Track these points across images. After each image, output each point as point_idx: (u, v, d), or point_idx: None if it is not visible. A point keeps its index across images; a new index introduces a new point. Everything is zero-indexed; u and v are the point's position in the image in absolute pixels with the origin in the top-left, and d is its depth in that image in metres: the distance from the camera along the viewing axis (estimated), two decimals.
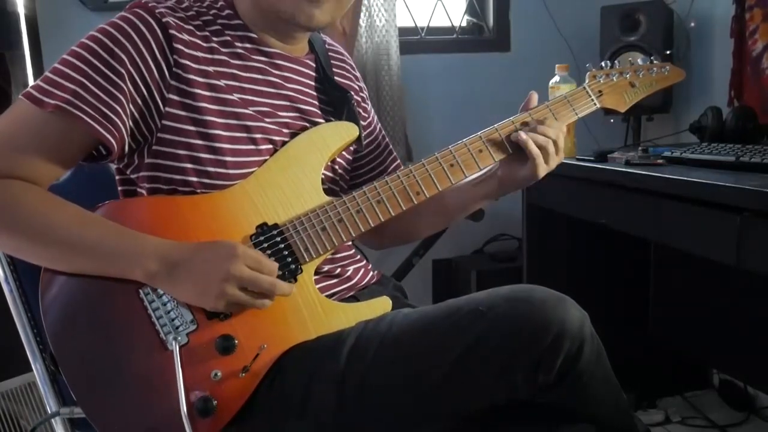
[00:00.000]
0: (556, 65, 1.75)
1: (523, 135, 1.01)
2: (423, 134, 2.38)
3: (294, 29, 1.01)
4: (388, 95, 2.29)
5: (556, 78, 1.73)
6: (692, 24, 2.29)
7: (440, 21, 2.52)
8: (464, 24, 2.56)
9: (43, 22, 2.07)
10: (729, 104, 2.07)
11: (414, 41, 2.45)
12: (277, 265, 0.90)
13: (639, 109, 2.19)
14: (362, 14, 2.25)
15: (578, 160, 1.73)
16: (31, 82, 1.96)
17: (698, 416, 2.13)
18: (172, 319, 0.88)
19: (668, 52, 2.09)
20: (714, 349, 2.11)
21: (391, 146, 1.23)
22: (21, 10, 1.95)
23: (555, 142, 1.03)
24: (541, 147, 1.02)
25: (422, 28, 2.48)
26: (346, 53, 1.19)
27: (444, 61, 2.45)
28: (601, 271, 2.16)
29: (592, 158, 1.68)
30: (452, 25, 2.52)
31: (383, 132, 1.22)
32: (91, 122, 0.87)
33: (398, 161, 1.22)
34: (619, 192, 1.55)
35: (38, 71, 2.02)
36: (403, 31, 2.36)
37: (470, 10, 2.55)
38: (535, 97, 1.09)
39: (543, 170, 1.04)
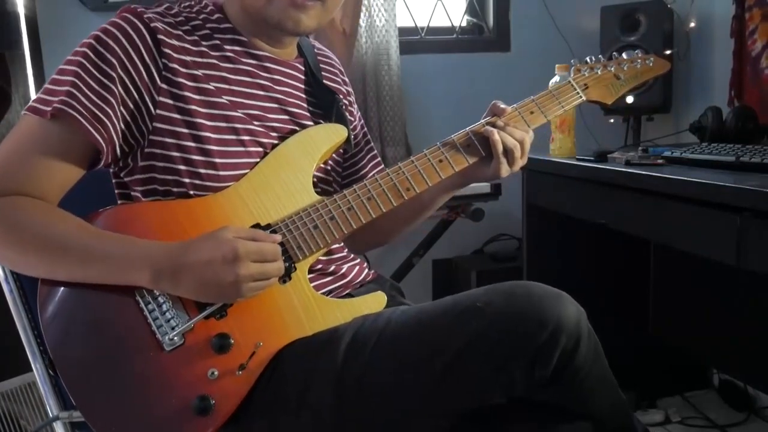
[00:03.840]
0: (556, 65, 1.75)
1: (495, 135, 1.03)
2: (423, 134, 2.38)
3: (282, 34, 1.02)
4: (387, 95, 2.29)
5: (556, 78, 1.73)
6: (692, 24, 2.29)
7: (440, 21, 2.52)
8: (464, 24, 2.56)
9: (43, 22, 2.08)
10: (729, 104, 2.07)
11: (414, 41, 2.45)
12: (278, 247, 0.91)
13: (639, 109, 2.21)
14: (362, 14, 2.25)
15: (578, 160, 1.73)
16: (31, 82, 1.97)
17: (698, 416, 2.13)
18: (168, 320, 0.88)
19: (668, 52, 2.09)
20: (714, 349, 2.11)
21: (375, 151, 1.24)
22: (21, 10, 1.95)
23: (521, 145, 1.05)
24: (507, 150, 1.04)
25: (422, 28, 2.48)
26: (334, 58, 1.20)
27: (444, 61, 2.45)
28: (601, 271, 2.16)
29: (592, 158, 1.68)
30: (452, 25, 2.52)
31: (368, 137, 1.23)
32: (84, 122, 0.89)
33: (381, 166, 1.23)
34: (619, 192, 1.55)
35: (38, 71, 2.03)
36: (403, 31, 2.36)
37: (470, 10, 2.56)
38: (498, 104, 1.09)
39: (505, 172, 1.06)
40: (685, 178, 1.33)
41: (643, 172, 1.46)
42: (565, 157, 1.79)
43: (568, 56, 2.29)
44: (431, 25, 2.49)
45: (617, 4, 2.21)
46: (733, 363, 2.07)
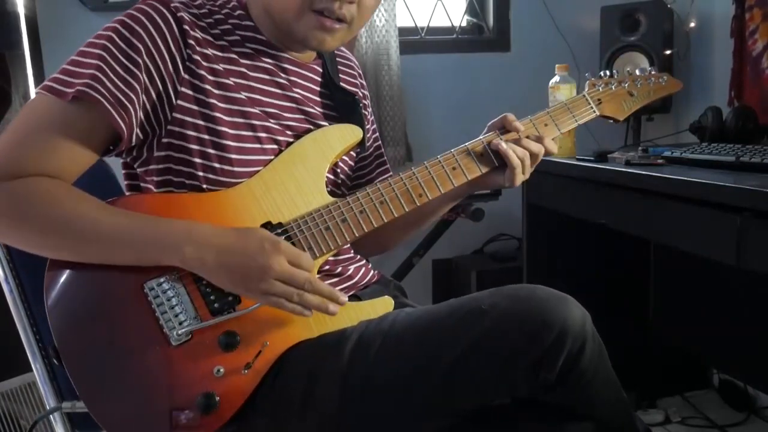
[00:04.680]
0: (556, 65, 1.75)
1: (503, 146, 1.02)
2: (423, 134, 2.38)
3: (304, 48, 1.03)
4: (388, 95, 2.29)
5: (556, 78, 1.73)
6: (692, 24, 2.29)
7: (440, 21, 2.52)
8: (464, 24, 2.57)
9: (43, 22, 2.07)
10: (729, 104, 2.07)
11: (414, 41, 2.45)
12: (312, 262, 0.90)
13: (639, 109, 2.20)
14: None
15: (578, 160, 1.73)
16: (31, 82, 1.96)
17: (698, 416, 2.13)
18: (176, 315, 0.88)
19: (668, 53, 2.09)
20: (714, 349, 2.11)
21: (384, 158, 1.23)
22: (21, 10, 1.95)
23: (536, 156, 1.05)
24: (522, 159, 1.03)
25: (422, 28, 2.48)
26: (354, 59, 1.20)
27: (444, 61, 2.45)
28: (601, 271, 2.16)
29: (592, 158, 1.68)
30: (452, 25, 2.53)
31: (378, 142, 1.22)
32: (109, 107, 0.87)
33: (389, 173, 1.22)
34: (619, 192, 1.55)
35: (38, 71, 2.02)
36: (403, 31, 2.36)
37: (470, 10, 2.56)
38: (509, 117, 1.08)
39: (520, 179, 1.05)
40: (685, 178, 1.33)
41: (643, 172, 1.46)
42: (565, 157, 1.79)
43: (568, 56, 2.31)
44: (431, 25, 2.50)
45: (617, 4, 2.21)
46: (733, 363, 2.07)
